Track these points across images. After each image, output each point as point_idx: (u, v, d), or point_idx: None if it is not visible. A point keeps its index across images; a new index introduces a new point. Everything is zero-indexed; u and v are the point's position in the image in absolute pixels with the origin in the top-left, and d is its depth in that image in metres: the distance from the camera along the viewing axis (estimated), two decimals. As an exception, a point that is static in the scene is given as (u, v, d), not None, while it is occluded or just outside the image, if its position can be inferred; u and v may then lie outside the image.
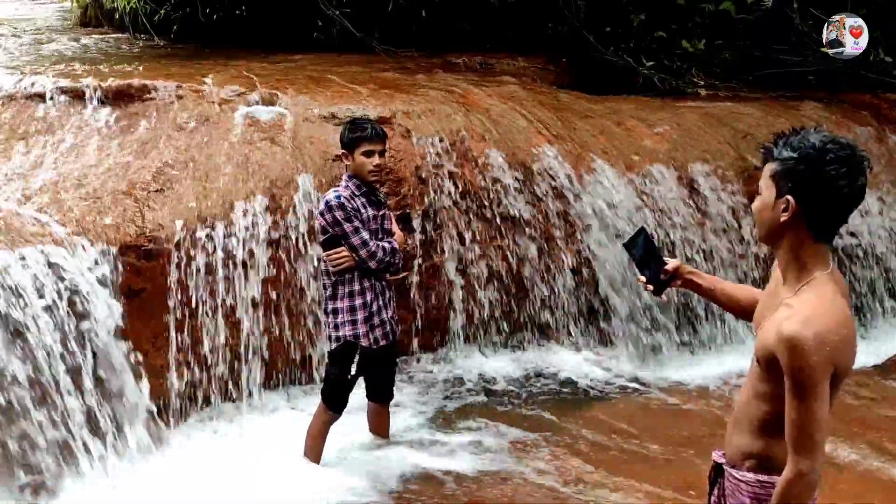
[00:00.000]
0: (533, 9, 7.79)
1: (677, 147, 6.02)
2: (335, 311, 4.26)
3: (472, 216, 5.61)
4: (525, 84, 6.68)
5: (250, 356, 4.93)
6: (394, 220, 4.47)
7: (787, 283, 2.28)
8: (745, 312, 2.57)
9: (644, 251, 2.60)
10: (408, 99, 5.91)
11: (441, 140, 5.65)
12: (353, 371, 4.28)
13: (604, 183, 5.70)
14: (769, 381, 2.27)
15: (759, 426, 2.33)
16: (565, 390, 5.41)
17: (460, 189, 5.60)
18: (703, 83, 7.32)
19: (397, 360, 4.72)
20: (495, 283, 5.68)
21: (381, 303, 4.29)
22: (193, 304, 4.76)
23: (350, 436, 4.60)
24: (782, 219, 2.22)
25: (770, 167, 2.23)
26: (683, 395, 5.34)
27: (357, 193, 4.23)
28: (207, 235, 4.84)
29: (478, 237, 5.61)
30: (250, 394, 4.95)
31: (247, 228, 4.98)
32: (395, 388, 4.66)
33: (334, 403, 4.34)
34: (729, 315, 5.89)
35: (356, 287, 4.23)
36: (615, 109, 6.43)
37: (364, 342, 4.26)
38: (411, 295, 5.49)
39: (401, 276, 4.62)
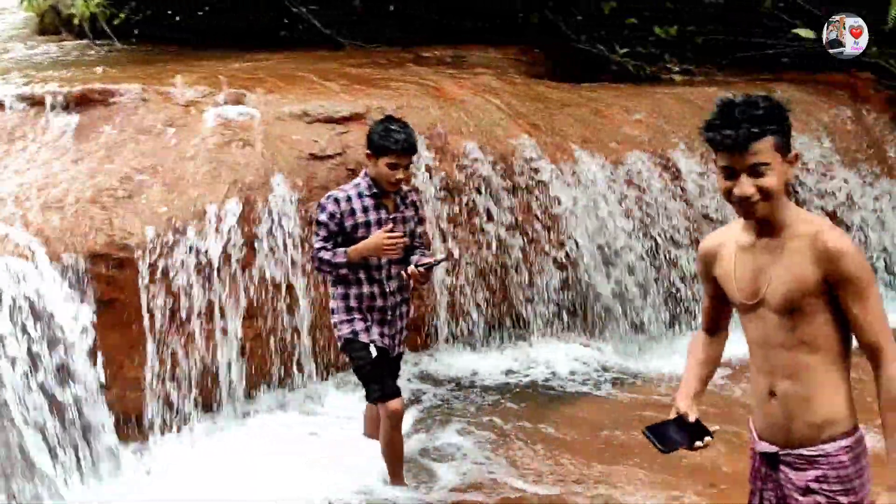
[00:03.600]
0: (503, -1, 7.69)
1: (657, 133, 5.93)
2: (331, 311, 4.09)
3: (452, 211, 5.48)
4: (499, 75, 6.56)
5: (229, 363, 4.77)
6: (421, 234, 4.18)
7: (771, 233, 2.33)
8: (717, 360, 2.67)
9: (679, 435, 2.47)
10: (381, 94, 5.78)
11: (418, 135, 5.50)
12: (373, 353, 3.97)
13: (585, 172, 5.60)
14: (804, 326, 2.30)
15: (819, 385, 2.31)
16: (552, 385, 5.30)
17: (439, 184, 5.47)
18: (677, 69, 7.26)
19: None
20: (478, 279, 5.56)
21: (376, 316, 4.00)
22: (168, 313, 4.58)
23: (340, 437, 4.46)
24: (792, 176, 2.34)
25: (769, 141, 2.25)
26: (670, 384, 5.25)
27: (367, 194, 3.97)
28: (180, 241, 4.66)
29: (459, 232, 5.49)
30: (230, 401, 4.78)
31: (220, 233, 4.81)
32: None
33: (385, 392, 4.00)
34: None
35: (353, 291, 4.00)
36: (592, 98, 6.34)
37: (364, 338, 3.98)
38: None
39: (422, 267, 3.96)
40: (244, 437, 4.65)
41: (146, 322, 4.53)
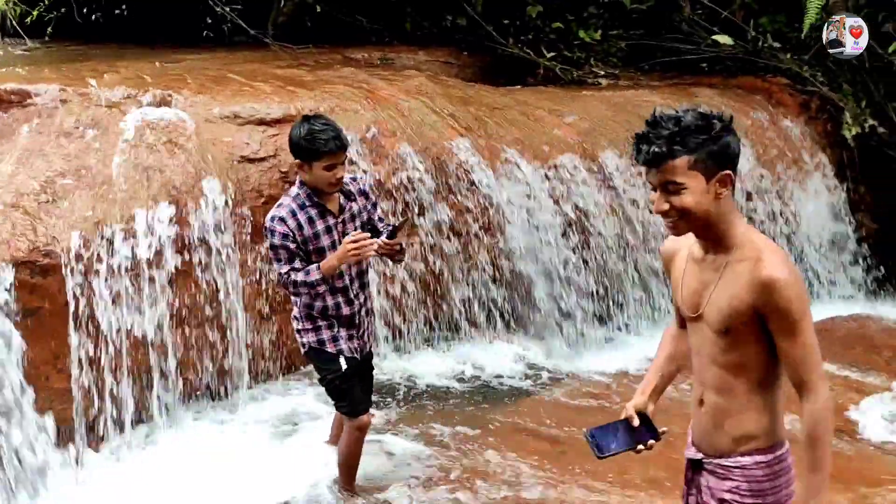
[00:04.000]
0: (431, 2, 7.70)
1: (587, 136, 6.03)
2: (293, 318, 3.94)
3: (387, 214, 5.45)
4: (429, 77, 6.56)
5: (160, 372, 4.63)
6: (375, 218, 3.90)
7: (718, 250, 2.31)
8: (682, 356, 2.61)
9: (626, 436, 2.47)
10: (313, 95, 5.71)
11: (351, 137, 5.46)
12: (343, 365, 3.81)
13: (518, 175, 5.64)
14: (735, 348, 2.30)
15: (743, 404, 2.33)
16: (493, 386, 5.32)
17: (374, 187, 5.43)
18: (602, 73, 7.39)
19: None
20: (417, 282, 5.55)
21: (345, 320, 3.84)
22: (96, 321, 4.42)
23: (281, 445, 4.39)
24: (722, 196, 2.27)
25: (683, 161, 2.21)
26: (609, 381, 5.34)
27: (308, 204, 3.71)
28: (108, 247, 4.51)
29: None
30: (162, 411, 4.64)
31: (150, 238, 4.66)
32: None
33: (353, 408, 3.89)
34: (648, 301, 5.99)
35: (331, 301, 3.81)
36: (522, 101, 6.40)
37: (330, 349, 3.84)
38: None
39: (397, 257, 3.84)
40: (179, 447, 4.52)
41: (72, 331, 4.36)
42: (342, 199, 3.81)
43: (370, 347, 4.04)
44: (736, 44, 7.07)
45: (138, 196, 4.77)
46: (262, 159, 5.24)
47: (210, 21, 7.86)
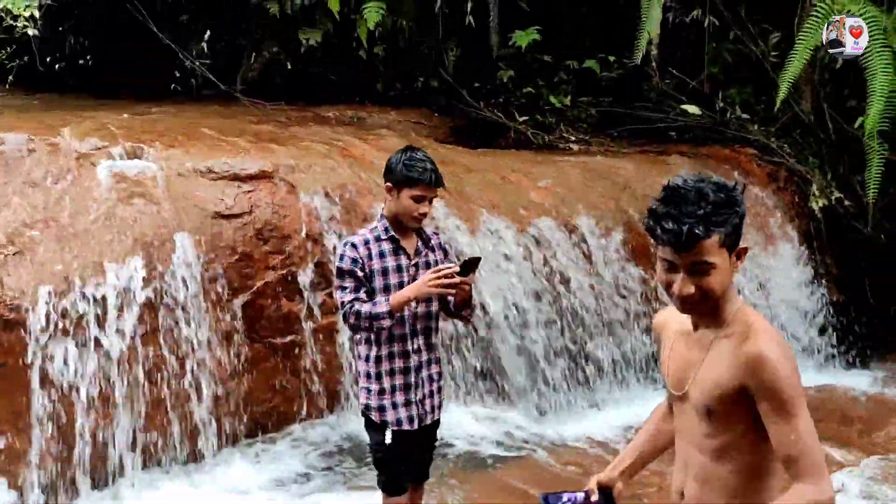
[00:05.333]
0: (403, 62, 7.74)
1: (562, 200, 6.03)
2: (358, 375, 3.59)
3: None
4: (403, 137, 6.53)
5: (126, 433, 4.42)
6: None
7: (708, 325, 2.16)
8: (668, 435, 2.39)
9: None
10: (289, 152, 5.63)
11: (327, 195, 5.39)
12: (388, 438, 3.50)
13: (494, 237, 5.60)
14: (721, 433, 2.11)
15: (728, 497, 2.13)
16: (462, 451, 5.17)
17: (349, 246, 5.34)
18: (573, 138, 7.46)
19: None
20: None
21: (398, 380, 3.48)
22: (60, 379, 4.22)
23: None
24: (736, 271, 2.14)
25: (715, 239, 2.03)
26: (584, 448, 5.25)
27: (384, 237, 3.45)
28: (76, 302, 4.33)
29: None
30: (126, 475, 4.42)
31: (120, 293, 4.50)
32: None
33: (387, 485, 3.59)
34: (622, 368, 5.94)
35: (381, 353, 3.47)
36: (496, 164, 6.40)
37: (375, 418, 3.50)
38: (298, 358, 5.15)
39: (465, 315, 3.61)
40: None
41: (35, 389, 4.15)
42: (420, 244, 3.52)
43: (433, 418, 3.56)
44: (704, 114, 7.21)
45: (109, 249, 4.61)
46: (237, 216, 5.13)
47: (178, 75, 7.79)
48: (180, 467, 4.64)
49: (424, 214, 3.45)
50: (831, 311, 6.60)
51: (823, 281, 6.61)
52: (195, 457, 4.70)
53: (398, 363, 3.46)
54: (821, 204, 6.58)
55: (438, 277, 3.31)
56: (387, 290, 3.40)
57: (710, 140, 7.31)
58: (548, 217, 5.87)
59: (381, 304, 3.33)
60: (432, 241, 3.58)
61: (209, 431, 4.75)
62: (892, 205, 6.73)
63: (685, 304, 2.11)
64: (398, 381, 3.46)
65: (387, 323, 3.34)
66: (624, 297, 5.89)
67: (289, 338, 5.15)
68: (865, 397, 6.05)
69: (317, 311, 5.21)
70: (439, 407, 3.60)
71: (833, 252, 6.70)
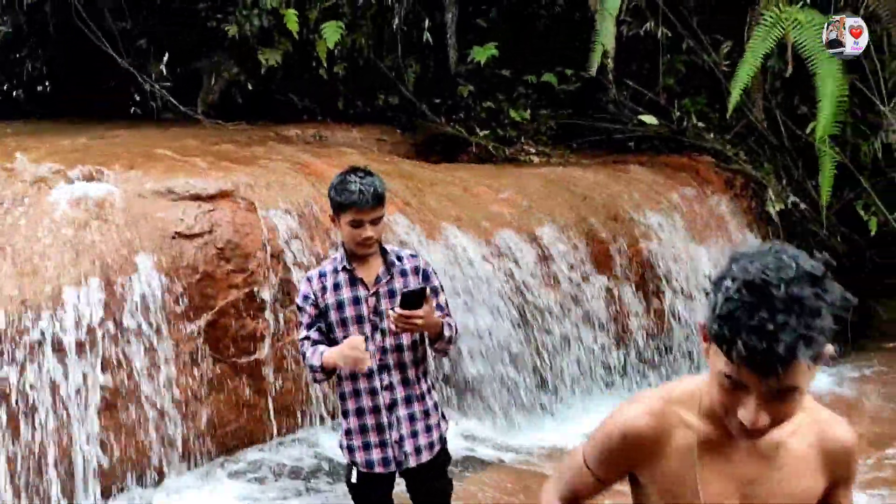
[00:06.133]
0: (363, 80, 7.78)
1: (524, 212, 6.09)
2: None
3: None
4: (366, 154, 6.56)
5: (88, 458, 4.37)
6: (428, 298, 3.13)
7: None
8: None
9: None
10: (249, 171, 5.62)
11: (288, 212, 5.39)
12: (353, 477, 3.31)
13: (457, 249, 5.63)
14: None
15: None
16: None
17: (311, 262, 5.33)
18: (534, 150, 7.53)
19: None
20: (352, 359, 5.42)
21: (369, 420, 3.26)
22: (19, 408, 4.16)
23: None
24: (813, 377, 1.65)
25: (805, 361, 1.54)
26: (551, 454, 5.28)
27: (340, 268, 3.24)
28: (34, 326, 4.28)
29: (333, 312, 5.36)
30: (88, 500, 4.36)
31: (80, 317, 4.46)
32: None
33: None
34: (588, 374, 5.98)
35: (344, 389, 3.29)
36: (458, 177, 6.45)
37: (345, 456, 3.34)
38: (263, 376, 5.13)
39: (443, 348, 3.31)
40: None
41: (-6, 416, 4.10)
42: (382, 270, 3.24)
43: (417, 460, 3.25)
44: (661, 123, 7.32)
45: (67, 273, 4.58)
46: (198, 235, 5.10)
47: (138, 98, 7.77)
48: (143, 491, 4.59)
49: (368, 239, 3.17)
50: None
51: (783, 284, 6.70)
52: (159, 481, 4.65)
53: (365, 401, 3.23)
54: (777, 208, 6.70)
55: (353, 354, 3.04)
56: (343, 324, 3.20)
57: (667, 149, 7.43)
58: (509, 229, 5.91)
59: (315, 357, 3.14)
60: (400, 266, 3.26)
61: (173, 454, 4.71)
62: (846, 208, 6.87)
63: (753, 434, 1.60)
64: (368, 420, 3.23)
65: (320, 377, 3.18)
66: (586, 305, 5.94)
67: (254, 356, 5.13)
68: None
69: (282, 329, 5.20)
70: (429, 447, 3.27)
71: (791, 255, 6.80)
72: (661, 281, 6.27)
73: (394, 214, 5.68)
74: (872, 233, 6.60)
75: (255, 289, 5.15)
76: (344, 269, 3.24)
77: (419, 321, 3.06)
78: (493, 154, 7.40)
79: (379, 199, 3.20)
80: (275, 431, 5.16)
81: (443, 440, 3.35)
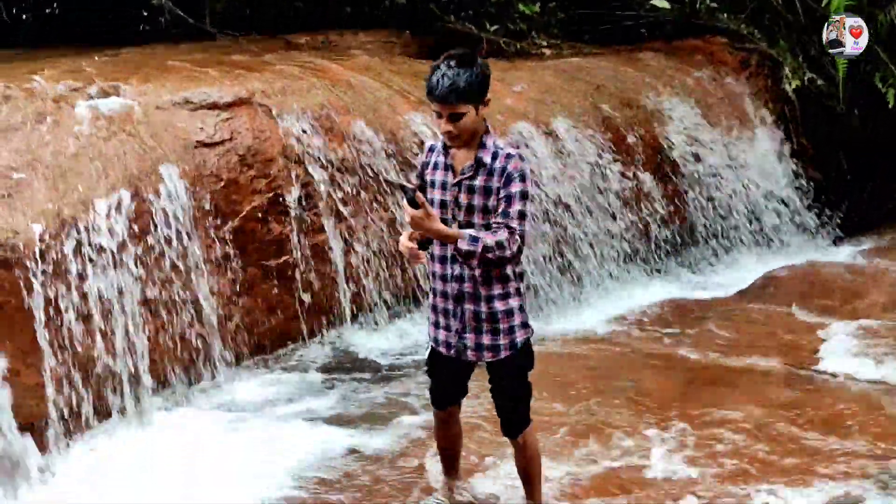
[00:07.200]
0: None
1: (538, 104, 6.10)
2: None
3: (347, 191, 5.45)
4: (376, 56, 6.56)
5: (133, 360, 4.56)
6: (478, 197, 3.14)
7: None
8: None
9: None
10: (263, 77, 5.67)
11: (305, 115, 5.45)
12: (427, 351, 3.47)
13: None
14: None
15: None
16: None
17: (332, 164, 5.43)
18: (545, 44, 7.47)
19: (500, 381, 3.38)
20: (377, 257, 5.56)
21: (439, 302, 3.30)
22: (64, 312, 4.33)
23: (261, 432, 4.38)
24: None
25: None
26: (573, 342, 5.44)
27: (441, 149, 3.23)
28: (70, 237, 4.42)
29: (355, 211, 5.47)
30: (136, 400, 4.57)
31: (112, 225, 4.59)
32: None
33: (431, 394, 3.58)
34: (609, 261, 6.09)
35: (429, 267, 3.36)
36: (471, 73, 6.43)
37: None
38: (292, 278, 5.29)
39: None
40: (156, 437, 4.46)
41: (40, 324, 4.27)
42: (468, 165, 3.15)
43: (477, 356, 3.28)
44: (674, 7, 7.22)
45: (96, 186, 4.69)
46: (218, 143, 5.20)
47: (146, 14, 7.73)
48: (187, 390, 4.80)
49: (447, 133, 3.08)
50: (811, 190, 6.74)
51: (801, 161, 6.73)
52: (201, 379, 4.85)
53: (438, 285, 3.26)
54: (794, 86, 6.66)
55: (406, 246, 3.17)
56: (433, 203, 3.17)
57: (681, 34, 7.34)
58: (524, 121, 5.94)
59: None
60: (492, 164, 3.11)
61: (215, 354, 4.90)
62: (863, 83, 6.81)
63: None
64: (439, 302, 3.28)
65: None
66: (602, 193, 6.01)
67: (282, 259, 5.26)
68: (847, 270, 6.24)
69: (307, 230, 5.32)
70: (492, 349, 3.24)
71: (808, 132, 6.80)
72: (676, 165, 6.31)
73: (409, 113, 5.73)
74: (890, 105, 6.56)
75: (279, 193, 5.25)
76: (444, 151, 3.22)
77: (423, 223, 3.02)
78: (504, 49, 7.34)
79: (456, 96, 3.04)
80: (304, 330, 5.33)
81: (514, 346, 3.26)
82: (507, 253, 3.05)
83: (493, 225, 3.09)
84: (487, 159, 3.12)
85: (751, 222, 6.78)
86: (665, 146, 6.40)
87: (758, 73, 6.85)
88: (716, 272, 6.60)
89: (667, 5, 7.31)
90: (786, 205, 6.63)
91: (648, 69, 6.66)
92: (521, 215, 3.09)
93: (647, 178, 6.39)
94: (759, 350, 5.25)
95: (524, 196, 3.10)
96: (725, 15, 7.07)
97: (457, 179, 3.17)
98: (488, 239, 3.04)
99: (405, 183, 3.16)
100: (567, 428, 4.32)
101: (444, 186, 3.20)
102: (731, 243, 6.64)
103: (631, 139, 6.23)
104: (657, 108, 6.43)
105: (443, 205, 3.19)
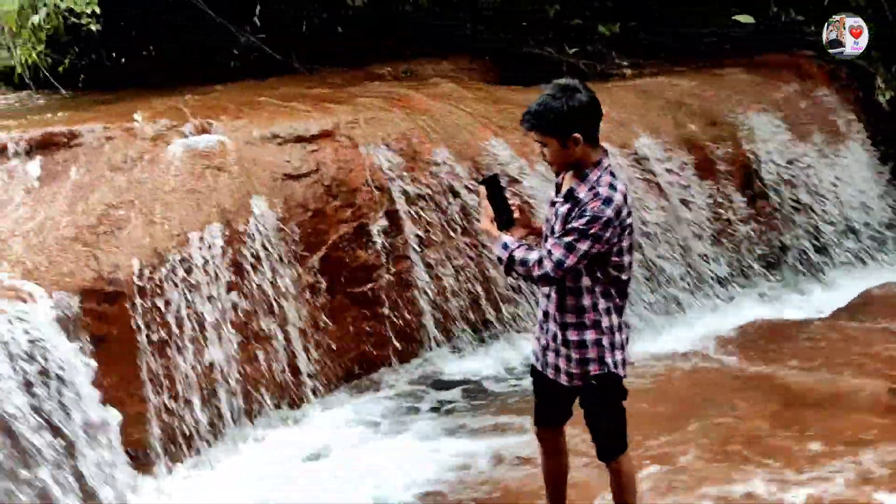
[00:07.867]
0: (447, 12, 7.81)
1: (620, 126, 6.07)
2: None
3: (430, 217, 5.54)
4: (458, 83, 6.65)
5: (229, 388, 4.72)
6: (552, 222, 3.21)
7: None
8: None
9: None
10: (347, 109, 5.82)
11: (388, 145, 5.57)
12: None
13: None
14: None
15: None
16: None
17: (414, 192, 5.52)
18: (626, 64, 7.44)
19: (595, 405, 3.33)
20: (462, 282, 5.61)
21: (539, 314, 3.39)
22: (163, 343, 4.52)
23: (354, 452, 4.50)
24: None
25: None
26: (668, 362, 5.37)
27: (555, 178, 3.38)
28: (167, 269, 4.62)
29: (439, 237, 5.54)
30: (233, 427, 4.73)
31: (206, 258, 4.78)
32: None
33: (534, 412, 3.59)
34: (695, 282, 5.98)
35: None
36: (551, 97, 6.45)
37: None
38: (379, 304, 5.39)
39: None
40: (253, 460, 4.61)
41: (142, 355, 4.47)
42: (566, 191, 3.19)
43: (554, 374, 3.30)
44: (758, 21, 7.09)
45: (191, 219, 4.89)
46: (305, 175, 5.36)
47: (236, 52, 8.02)
48: (280, 416, 4.93)
49: (547, 158, 3.20)
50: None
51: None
52: (293, 405, 4.97)
53: (542, 298, 3.33)
54: (888, 96, 6.45)
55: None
56: (546, 223, 3.32)
57: (764, 48, 7.20)
58: (607, 143, 5.90)
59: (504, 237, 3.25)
60: (580, 197, 3.10)
61: (305, 380, 5.02)
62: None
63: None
64: (539, 314, 3.35)
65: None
66: (691, 212, 5.92)
67: (368, 286, 5.37)
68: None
69: (391, 258, 5.42)
70: (567, 375, 3.25)
71: (904, 144, 6.57)
72: (765, 183, 6.17)
73: (489, 139, 5.78)
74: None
75: (364, 222, 5.37)
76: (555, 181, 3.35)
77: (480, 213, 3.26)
78: (584, 72, 7.34)
79: (529, 125, 3.12)
80: (393, 357, 5.42)
81: (586, 377, 3.23)
82: (534, 274, 3.11)
83: (543, 245, 3.17)
84: (580, 193, 3.11)
85: (845, 238, 6.58)
86: (753, 163, 6.27)
87: (848, 85, 6.66)
88: (811, 292, 6.41)
89: (751, 20, 7.20)
90: (882, 223, 6.40)
91: (733, 85, 6.55)
92: (569, 247, 3.06)
93: (735, 196, 6.28)
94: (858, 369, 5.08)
95: (584, 234, 3.05)
96: (812, 27, 6.91)
97: (552, 200, 3.26)
98: (518, 253, 3.14)
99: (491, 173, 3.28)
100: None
101: (551, 205, 3.28)
102: (825, 261, 6.45)
103: (717, 157, 6.13)
104: (744, 124, 6.31)
105: (547, 221, 3.28)
